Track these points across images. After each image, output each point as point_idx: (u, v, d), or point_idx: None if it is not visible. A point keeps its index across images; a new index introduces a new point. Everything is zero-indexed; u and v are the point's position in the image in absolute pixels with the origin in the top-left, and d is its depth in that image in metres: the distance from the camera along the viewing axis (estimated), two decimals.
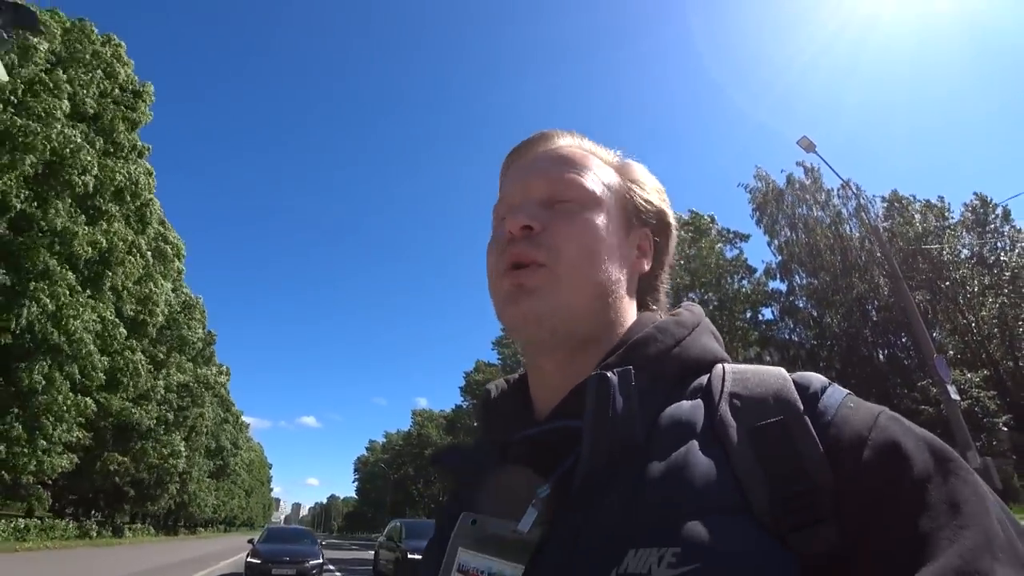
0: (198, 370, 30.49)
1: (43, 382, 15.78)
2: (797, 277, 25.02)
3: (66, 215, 15.13)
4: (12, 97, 13.76)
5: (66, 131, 14.63)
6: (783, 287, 25.25)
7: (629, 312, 0.56)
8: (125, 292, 18.21)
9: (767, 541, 0.36)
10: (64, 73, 15.62)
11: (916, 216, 24.02)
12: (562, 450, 0.46)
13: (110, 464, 24.40)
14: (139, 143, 20.32)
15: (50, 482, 17.54)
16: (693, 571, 0.35)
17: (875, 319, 23.15)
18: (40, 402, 15.93)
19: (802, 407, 0.41)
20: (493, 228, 0.60)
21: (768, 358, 25.55)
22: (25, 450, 15.85)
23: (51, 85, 14.98)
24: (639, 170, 0.62)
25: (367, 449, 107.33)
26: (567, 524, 0.42)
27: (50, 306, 14.36)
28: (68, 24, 18.07)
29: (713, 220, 24.58)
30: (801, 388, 0.43)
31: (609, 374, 0.45)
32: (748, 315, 24.28)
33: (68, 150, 14.51)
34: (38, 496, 18.05)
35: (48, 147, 13.68)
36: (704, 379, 0.48)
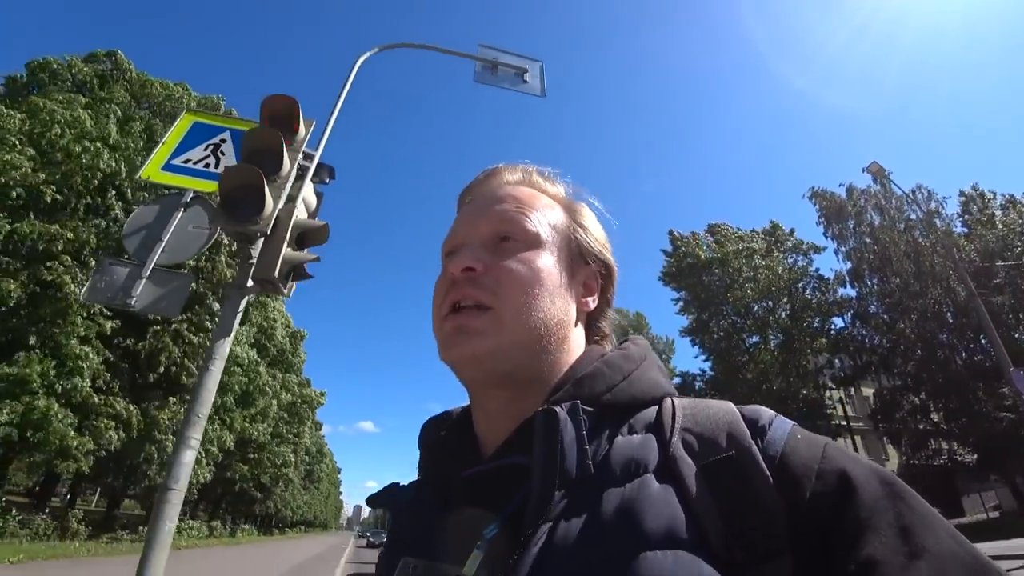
0: (303, 390, 34.19)
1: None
2: (868, 283, 24.84)
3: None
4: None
5: None
6: (853, 292, 25.13)
7: (575, 349, 0.56)
8: (256, 328, 21.34)
9: None
10: None
11: (997, 213, 23.41)
12: (510, 488, 0.45)
13: (235, 473, 28.05)
14: None
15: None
16: None
17: (951, 322, 22.76)
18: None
19: (751, 441, 0.42)
20: (442, 265, 0.60)
21: (838, 363, 25.54)
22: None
23: None
24: (587, 215, 0.63)
25: None
26: (518, 565, 0.39)
27: None
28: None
29: (792, 233, 25.13)
30: (750, 422, 0.44)
31: (557, 409, 0.45)
32: (817, 323, 24.51)
33: None
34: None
35: None
36: (652, 413, 0.49)
